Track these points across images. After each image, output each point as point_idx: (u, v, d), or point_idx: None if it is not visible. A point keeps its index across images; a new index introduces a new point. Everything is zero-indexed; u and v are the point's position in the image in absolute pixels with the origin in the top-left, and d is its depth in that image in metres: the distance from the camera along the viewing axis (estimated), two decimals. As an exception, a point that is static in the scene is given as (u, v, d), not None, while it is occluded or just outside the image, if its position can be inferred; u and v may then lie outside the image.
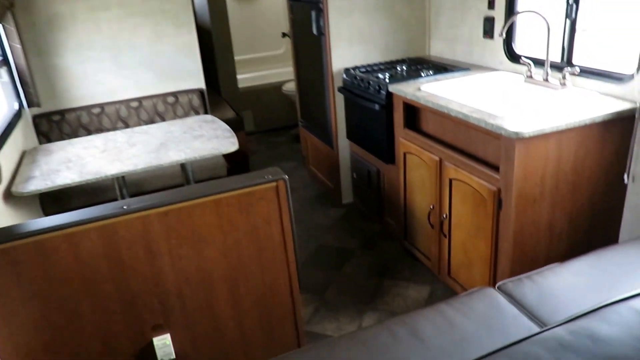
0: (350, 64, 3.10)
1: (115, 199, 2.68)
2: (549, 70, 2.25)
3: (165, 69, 3.46)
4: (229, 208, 1.78)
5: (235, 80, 4.87)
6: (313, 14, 3.09)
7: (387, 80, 2.60)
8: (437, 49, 3.16)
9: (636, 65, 1.91)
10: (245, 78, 5.41)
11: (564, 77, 2.18)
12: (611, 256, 1.69)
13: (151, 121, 3.42)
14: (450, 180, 2.18)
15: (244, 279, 1.88)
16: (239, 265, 1.85)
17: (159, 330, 1.82)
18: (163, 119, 3.45)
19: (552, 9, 2.28)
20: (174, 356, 1.85)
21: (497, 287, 1.59)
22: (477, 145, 2.09)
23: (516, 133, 1.77)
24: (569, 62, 2.29)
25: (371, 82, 2.70)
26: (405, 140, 2.51)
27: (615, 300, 0.95)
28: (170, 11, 3.37)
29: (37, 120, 3.18)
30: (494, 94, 2.39)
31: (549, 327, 0.88)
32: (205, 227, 1.76)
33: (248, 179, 1.80)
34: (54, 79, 3.23)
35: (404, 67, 2.87)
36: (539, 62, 2.35)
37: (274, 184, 1.81)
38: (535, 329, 1.38)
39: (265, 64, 5.75)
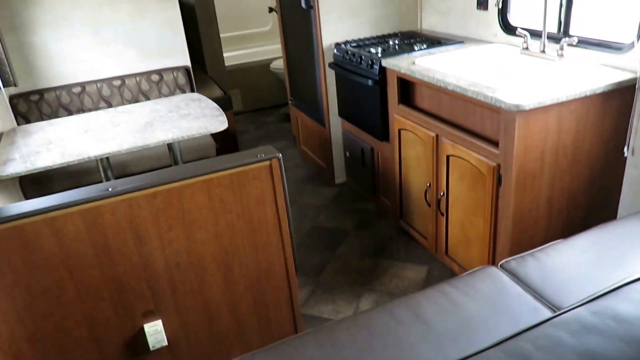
0: (340, 38, 3.00)
1: (100, 182, 2.58)
2: (546, 41, 2.19)
3: (148, 45, 3.33)
4: (220, 189, 1.70)
5: (221, 58, 4.73)
6: (302, -14, 2.97)
7: (379, 55, 2.51)
8: (430, 22, 3.07)
9: (636, 34, 1.85)
10: (232, 56, 5.26)
11: (561, 48, 2.12)
12: (613, 232, 1.65)
13: (135, 100, 3.30)
14: (448, 157, 2.12)
15: (237, 262, 1.81)
16: (232, 248, 1.78)
17: (149, 316, 1.76)
18: (148, 98, 3.33)
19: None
20: (166, 343, 1.79)
21: (500, 266, 1.54)
22: (474, 120, 2.02)
23: (516, 106, 1.71)
24: (566, 33, 2.23)
25: (363, 57, 2.61)
26: (399, 117, 2.44)
27: (636, 279, 0.90)
28: (151, -15, 3.22)
29: (14, 100, 3.05)
30: (490, 67, 2.32)
31: (568, 308, 0.83)
32: (196, 209, 1.69)
33: (240, 158, 1.72)
34: (30, 57, 3.08)
35: (396, 41, 2.78)
36: (535, 34, 2.28)
37: (267, 162, 1.73)
38: (541, 307, 1.34)
39: (252, 41, 5.60)
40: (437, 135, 2.18)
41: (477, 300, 1.37)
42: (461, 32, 2.81)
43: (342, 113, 3.05)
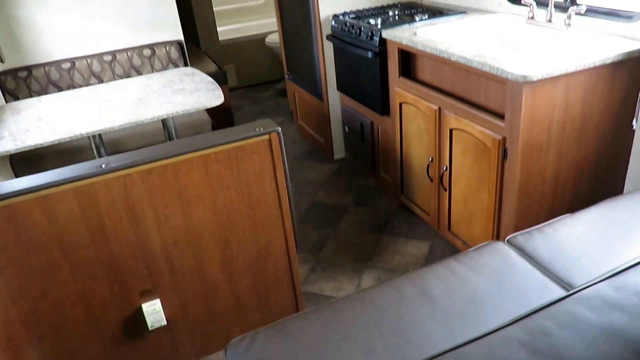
0: (338, 10, 2.90)
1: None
2: (552, 10, 2.11)
3: (139, 19, 3.22)
4: (217, 164, 1.64)
5: (215, 32, 4.61)
6: (298, -46, 2.86)
7: (379, 26, 2.43)
8: (431, -7, 2.97)
9: (649, 2, 1.78)
10: (226, 30, 5.14)
11: (568, 17, 2.04)
12: (621, 207, 1.61)
13: (127, 76, 3.20)
14: (451, 131, 2.07)
15: (236, 239, 1.77)
16: (231, 225, 1.74)
17: (147, 296, 1.72)
18: (140, 73, 3.23)
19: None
20: (165, 322, 1.76)
21: (507, 241, 1.50)
22: (478, 92, 1.96)
23: (524, 77, 1.64)
24: (574, 1, 2.15)
25: (362, 29, 2.53)
26: (401, 90, 2.37)
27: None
28: (141, -46, 3.09)
29: (1, 77, 2.95)
30: (495, 38, 2.24)
31: (588, 283, 0.79)
32: (193, 186, 1.63)
33: (238, 132, 1.66)
34: (17, 32, 2.97)
35: (397, 12, 2.70)
36: (541, 3, 2.20)
37: (266, 136, 1.67)
38: (550, 283, 1.30)
39: (247, 15, 5.47)
40: (439, 109, 2.12)
41: (484, 276, 1.34)
42: (463, 2, 2.72)
43: (340, 87, 2.97)
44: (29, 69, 3.01)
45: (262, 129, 1.67)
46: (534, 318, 0.70)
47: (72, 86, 3.09)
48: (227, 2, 5.33)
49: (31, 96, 2.99)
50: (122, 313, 1.71)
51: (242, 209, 1.74)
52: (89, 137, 2.46)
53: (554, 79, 1.70)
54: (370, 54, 2.47)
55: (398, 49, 2.32)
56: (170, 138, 2.56)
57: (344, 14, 2.80)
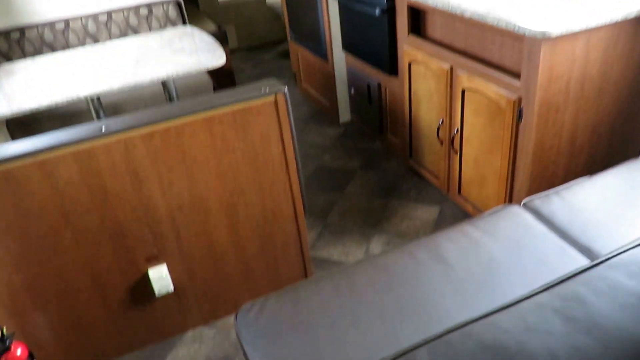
0: (344, -36, 2.76)
1: (93, 123, 2.44)
2: (572, -38, 1.99)
3: (135, -24, 3.07)
4: (222, 126, 1.58)
5: (214, -9, 4.45)
6: None
7: (388, -19, 2.31)
8: (441, -55, 2.82)
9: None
10: (225, -11, 4.95)
11: (589, -30, 1.93)
12: (640, 168, 1.55)
13: (123, 36, 3.09)
14: (463, 91, 1.99)
15: (242, 204, 1.72)
16: (237, 189, 1.69)
17: (153, 261, 1.69)
18: (137, 33, 3.11)
19: None
20: (172, 288, 1.73)
21: (523, 205, 1.45)
22: (493, 50, 1.87)
23: (542, 33, 1.56)
24: (595, -47, 2.03)
25: (370, -16, 2.41)
26: (410, 48, 2.27)
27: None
28: None
29: (-6, 38, 2.84)
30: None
31: (623, 249, 0.75)
32: (197, 149, 1.58)
33: (242, 93, 1.59)
34: (8, -10, 2.84)
35: (406, -34, 2.56)
36: (560, -46, 2.08)
37: (272, 97, 1.60)
38: (568, 248, 1.26)
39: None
40: (451, 68, 2.03)
41: (500, 240, 1.29)
42: (475, -46, 2.58)
43: (346, 46, 2.87)
44: (21, 29, 2.90)
45: (267, 89, 1.60)
46: (567, 285, 0.66)
47: (67, 47, 2.98)
48: (225, -41, 5.12)
49: (25, 58, 2.89)
50: (129, 279, 1.68)
51: (249, 173, 1.68)
52: (87, 100, 2.39)
53: (573, 35, 1.62)
54: (377, 11, 2.36)
55: (407, 4, 2.21)
56: (171, 101, 2.49)
57: (349, -31, 2.67)
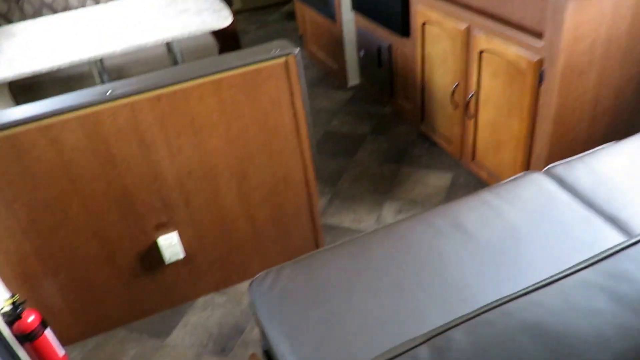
0: None
1: (96, 87, 2.38)
2: None
3: None
4: (231, 90, 1.52)
5: (216, -52, 4.26)
6: None
7: None
8: None
9: None
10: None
11: None
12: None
13: (126, -4, 2.98)
14: (480, 53, 1.90)
15: (252, 170, 1.68)
16: (247, 155, 1.64)
17: (163, 229, 1.66)
18: (140, -6, 3.00)
19: None
20: (182, 255, 1.71)
21: (545, 172, 1.40)
22: (513, 8, 1.77)
23: (569, -11, 1.47)
24: None
25: (383, -62, 2.28)
26: (423, 8, 2.17)
27: None
28: None
29: (-8, -2, 2.74)
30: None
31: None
32: (206, 114, 1.52)
33: (252, 55, 1.52)
34: (4, -54, 2.73)
35: None
36: None
37: (282, 59, 1.54)
38: (594, 217, 1.22)
39: None
40: (468, 28, 1.94)
41: (522, 209, 1.25)
42: None
43: (355, 6, 2.75)
44: (20, -11, 2.79)
45: (278, 51, 1.53)
46: (612, 261, 0.62)
47: (67, 9, 2.88)
48: None
49: (25, 20, 2.80)
50: (139, 246, 1.66)
51: (258, 138, 1.63)
52: (90, 63, 2.32)
53: (602, -9, 1.53)
54: (391, -32, 2.25)
55: (423, -40, 2.10)
56: (175, 63, 2.41)
57: None
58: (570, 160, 1.41)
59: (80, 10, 2.50)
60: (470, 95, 2.02)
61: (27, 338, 1.46)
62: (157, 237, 1.66)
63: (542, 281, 0.59)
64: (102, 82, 2.31)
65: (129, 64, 2.72)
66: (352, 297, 1.08)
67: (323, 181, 2.32)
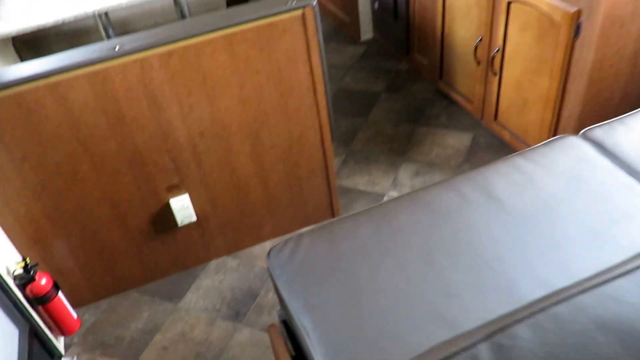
0: None
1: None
2: None
3: None
4: (244, 45, 1.42)
5: None
6: None
7: None
8: None
9: None
10: None
11: None
12: None
13: (128, -58, 2.80)
14: (509, 3, 1.78)
15: (266, 130, 1.61)
16: (261, 114, 1.57)
17: (175, 191, 1.61)
18: (142, -60, 2.83)
19: None
20: (194, 218, 1.67)
21: (582, 135, 1.32)
22: (548, -45, 1.64)
23: None
24: None
25: None
26: (448, -45, 2.02)
27: None
28: None
29: (-13, -57, 2.59)
30: None
31: None
32: (218, 70, 1.43)
33: (267, 7, 1.41)
34: None
35: None
36: None
37: (299, 11, 1.43)
38: (637, 184, 1.15)
39: None
40: (496, -23, 1.80)
41: (557, 175, 1.18)
42: None
43: (372, -46, 2.59)
44: None
45: (294, 3, 1.42)
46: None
47: (67, -45, 2.73)
48: None
49: (23, -33, 2.65)
50: (150, 208, 1.61)
51: (273, 96, 1.55)
52: (95, 17, 2.20)
53: None
54: None
55: None
56: (183, 17, 2.29)
57: None
58: (609, 122, 1.32)
59: (81, -42, 2.36)
60: (495, 51, 1.91)
61: (41, 301, 1.44)
62: (169, 199, 1.61)
63: (616, 270, 0.53)
64: (108, 36, 2.20)
65: (135, 17, 2.60)
66: (378, 269, 1.03)
67: (336, 141, 2.25)
